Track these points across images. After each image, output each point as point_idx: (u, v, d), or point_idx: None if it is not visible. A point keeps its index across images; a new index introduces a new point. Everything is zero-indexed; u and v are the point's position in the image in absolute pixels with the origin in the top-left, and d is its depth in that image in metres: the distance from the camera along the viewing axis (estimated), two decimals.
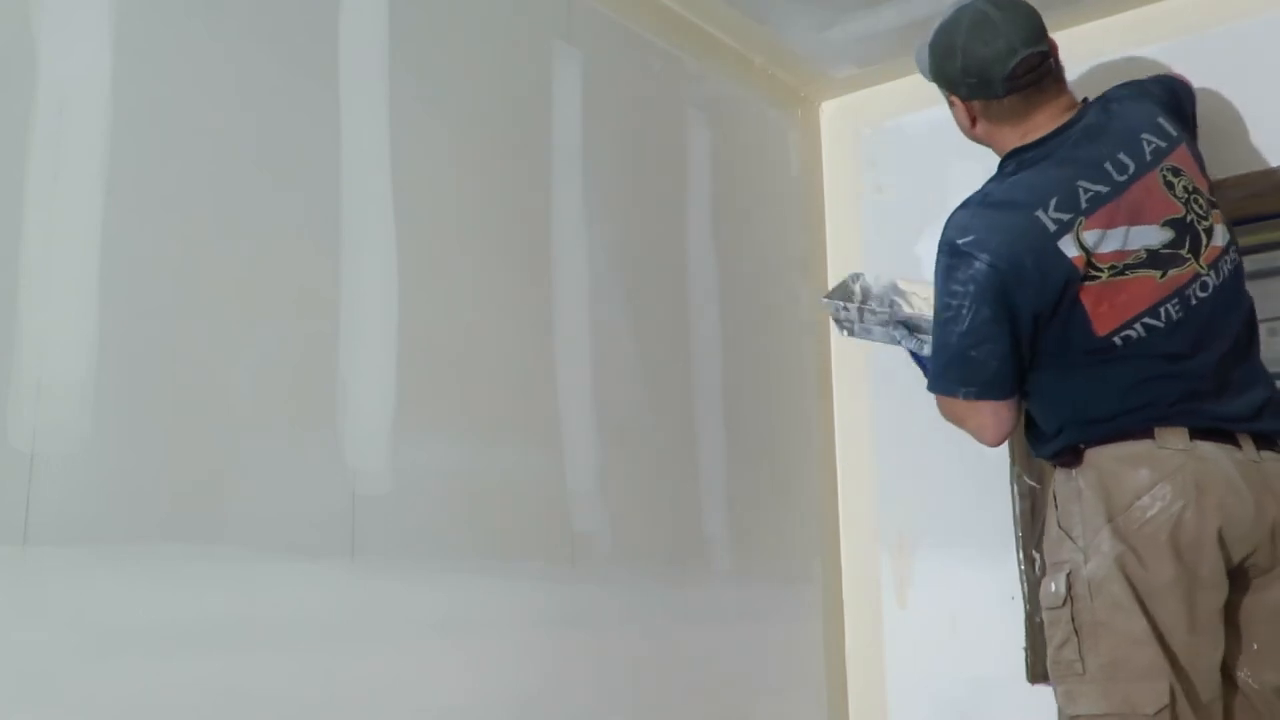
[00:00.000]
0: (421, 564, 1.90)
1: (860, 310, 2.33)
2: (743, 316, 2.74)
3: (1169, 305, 1.84)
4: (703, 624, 2.47)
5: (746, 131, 2.89)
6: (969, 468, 2.77)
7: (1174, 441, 1.82)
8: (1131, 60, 2.53)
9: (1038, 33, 1.96)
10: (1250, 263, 2.41)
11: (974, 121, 2.04)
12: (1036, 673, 2.65)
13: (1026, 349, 1.88)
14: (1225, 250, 1.90)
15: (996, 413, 1.92)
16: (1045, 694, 2.65)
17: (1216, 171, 2.46)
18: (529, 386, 2.16)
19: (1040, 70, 1.95)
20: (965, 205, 1.95)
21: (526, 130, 2.24)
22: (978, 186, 2.92)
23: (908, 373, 2.58)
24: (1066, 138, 1.93)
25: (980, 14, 1.96)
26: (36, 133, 1.50)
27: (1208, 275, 1.87)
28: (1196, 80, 2.43)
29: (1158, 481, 1.80)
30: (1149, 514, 1.79)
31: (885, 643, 2.85)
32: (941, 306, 1.90)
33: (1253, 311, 1.97)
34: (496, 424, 2.07)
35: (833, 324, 2.38)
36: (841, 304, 2.33)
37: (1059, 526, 1.87)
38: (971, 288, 1.85)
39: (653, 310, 2.48)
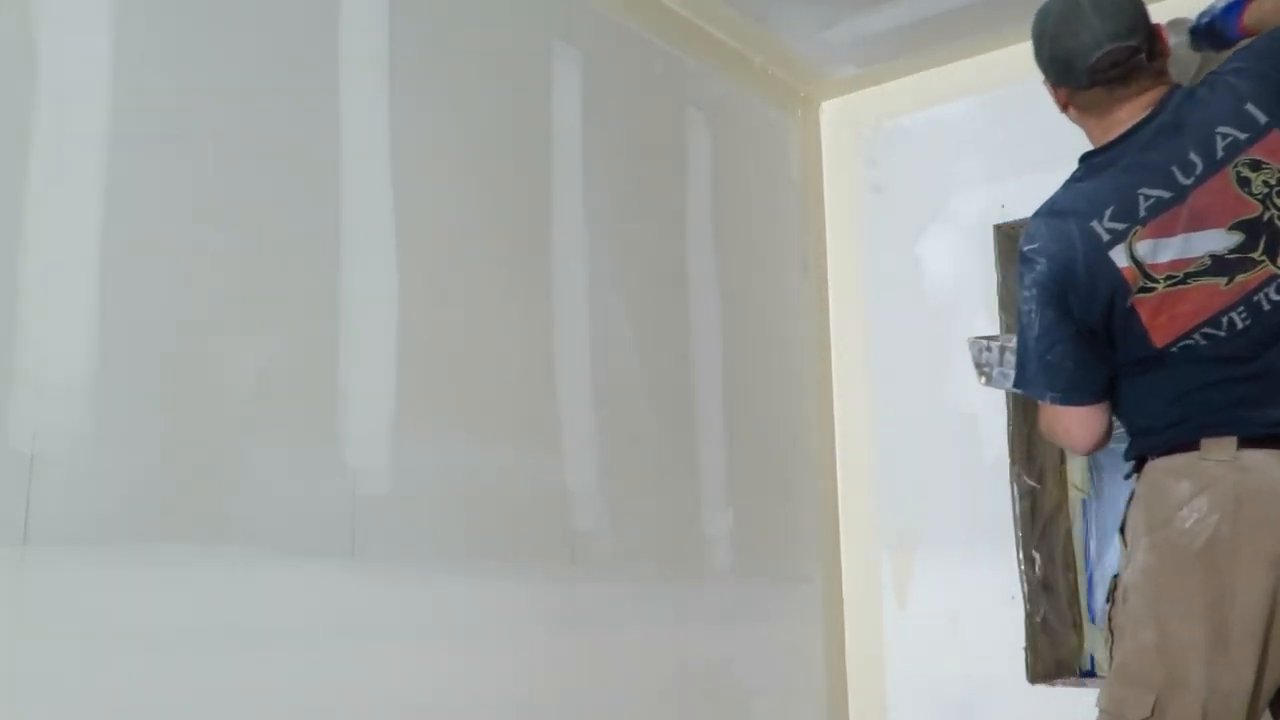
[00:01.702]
0: (421, 564, 1.90)
1: (1003, 350, 2.29)
2: (743, 317, 2.74)
3: (1234, 313, 1.77)
4: (703, 624, 2.47)
5: (746, 131, 2.89)
6: (969, 468, 2.77)
7: (1218, 453, 1.76)
8: None
9: (1129, 27, 1.88)
10: None
11: (1065, 106, 2.00)
12: (1036, 673, 2.65)
13: (1105, 350, 1.86)
14: None
15: (1083, 420, 1.90)
16: (1045, 694, 2.67)
17: None
18: (529, 386, 2.16)
19: (1127, 65, 1.88)
20: (1037, 214, 1.95)
21: (526, 130, 2.24)
22: (977, 186, 2.94)
23: (908, 372, 2.59)
24: (1138, 139, 1.87)
25: (1072, 3, 1.91)
26: (36, 133, 1.50)
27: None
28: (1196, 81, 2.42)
29: (1196, 494, 1.76)
30: (1185, 526, 1.75)
31: (885, 643, 2.85)
32: (1019, 314, 1.94)
33: None
34: (496, 424, 2.07)
35: (974, 370, 2.36)
36: (985, 343, 2.30)
37: (1120, 531, 1.89)
38: (1035, 290, 1.87)
39: (653, 310, 2.48)
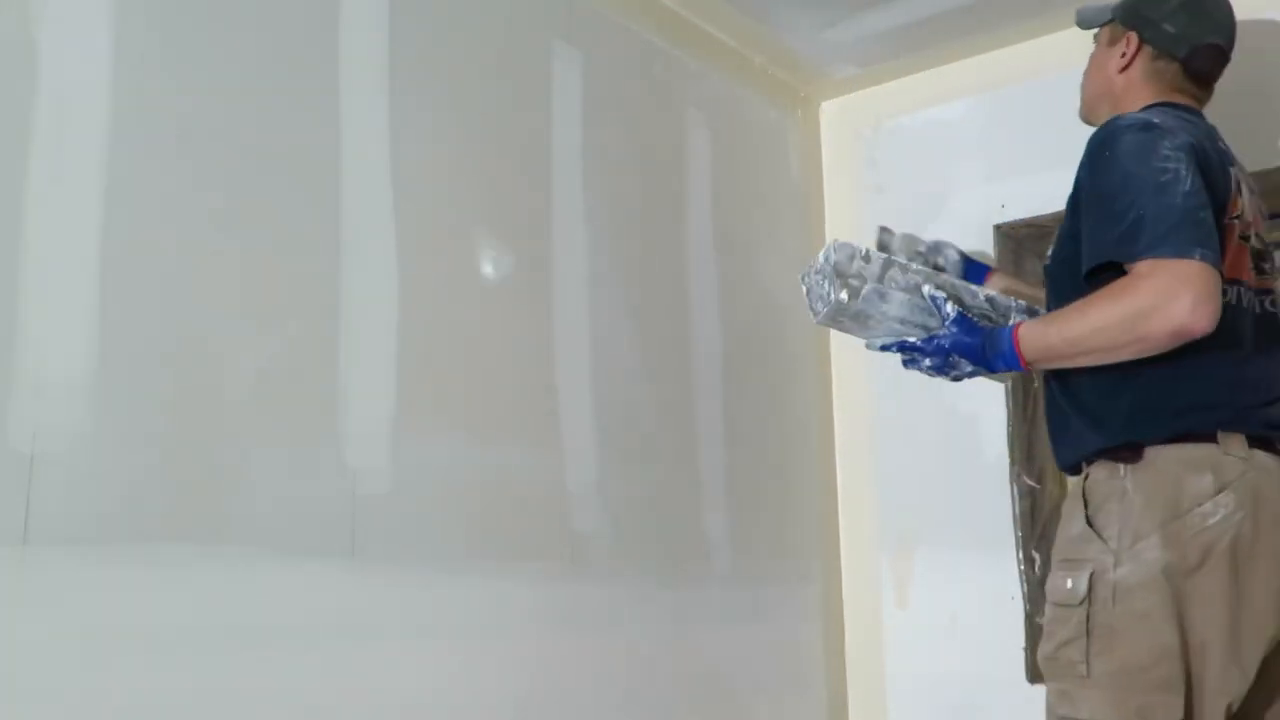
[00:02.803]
0: (421, 564, 1.90)
1: (893, 269, 1.90)
2: (743, 317, 2.74)
3: (1245, 289, 1.84)
4: (703, 624, 2.47)
5: (746, 131, 2.89)
6: (969, 468, 2.77)
7: (1236, 448, 1.74)
8: None
9: (1232, 45, 2.01)
10: None
11: (1127, 66, 1.99)
12: (1037, 673, 2.65)
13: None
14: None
15: (1216, 287, 1.68)
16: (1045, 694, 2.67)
17: None
18: (529, 386, 2.16)
19: (1215, 70, 1.99)
20: (1140, 112, 1.88)
21: (526, 130, 2.24)
22: (977, 186, 2.93)
23: (908, 372, 2.58)
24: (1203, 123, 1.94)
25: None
26: (36, 133, 1.50)
27: (1268, 295, 1.90)
28: None
29: (1222, 488, 1.71)
30: (1210, 521, 1.70)
31: (885, 643, 2.84)
32: (1152, 173, 1.73)
33: None
34: (497, 424, 2.07)
35: (820, 286, 1.92)
36: (860, 250, 1.89)
37: (1088, 524, 1.77)
38: (1183, 154, 1.74)
39: (653, 310, 2.48)
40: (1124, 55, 2.00)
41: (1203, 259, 1.66)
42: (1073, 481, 1.92)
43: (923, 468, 2.82)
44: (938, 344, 1.89)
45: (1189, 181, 1.71)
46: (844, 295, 1.86)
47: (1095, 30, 2.11)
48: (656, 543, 2.38)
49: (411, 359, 1.92)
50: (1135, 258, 1.70)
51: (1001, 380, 2.02)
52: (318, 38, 1.87)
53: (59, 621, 1.44)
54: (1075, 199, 1.87)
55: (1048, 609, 1.83)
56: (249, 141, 1.75)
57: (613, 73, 2.46)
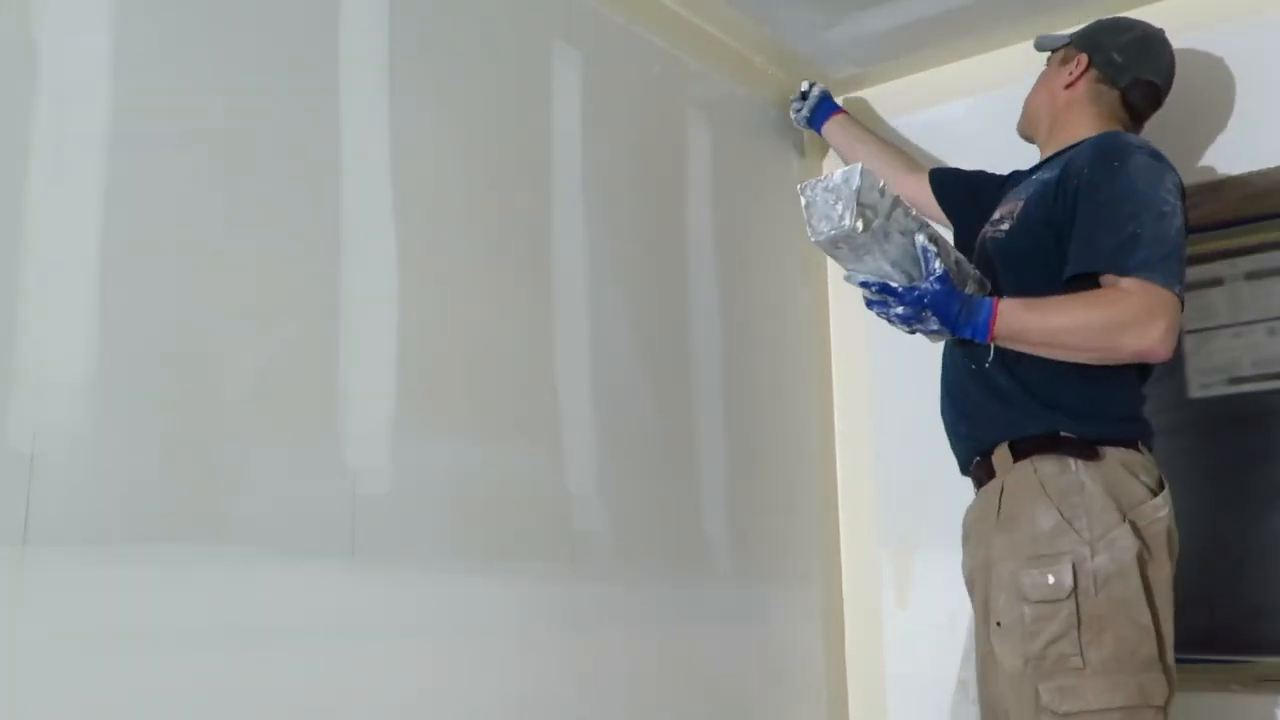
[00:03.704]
0: (421, 564, 1.90)
1: (895, 205, 1.84)
2: (742, 317, 2.74)
3: None
4: (703, 624, 2.47)
5: (746, 131, 2.89)
6: None
7: (1148, 455, 1.94)
8: None
9: (1167, 91, 2.20)
10: (1250, 263, 2.42)
11: (1072, 84, 2.17)
12: None
13: None
14: None
15: (1178, 323, 1.84)
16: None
17: (1216, 172, 2.47)
18: (529, 386, 2.16)
19: (1147, 107, 2.18)
20: (1133, 136, 2.06)
21: (526, 130, 2.24)
22: None
23: (909, 371, 2.59)
24: None
25: (1164, 41, 2.21)
26: (36, 133, 1.50)
27: None
28: (1197, 79, 2.43)
29: (1157, 488, 1.89)
30: (1159, 514, 1.86)
31: (885, 643, 2.85)
32: (1157, 200, 1.87)
33: None
34: (497, 424, 2.07)
35: (823, 225, 1.85)
36: (879, 185, 1.82)
37: (1061, 516, 1.83)
38: (1177, 194, 1.90)
39: (653, 310, 2.48)
40: (1071, 74, 2.17)
41: (1179, 295, 1.82)
42: (1005, 481, 1.95)
43: (923, 468, 2.82)
44: (917, 295, 1.89)
45: (1179, 220, 1.87)
46: (859, 224, 1.80)
47: (1049, 54, 2.30)
48: (656, 543, 2.38)
49: (411, 359, 1.92)
50: (1126, 272, 1.82)
51: (937, 342, 2.07)
52: (318, 38, 1.87)
53: (59, 621, 1.44)
54: (1059, 190, 1.95)
55: (1024, 608, 1.83)
56: (249, 141, 1.75)
57: (613, 73, 2.46)
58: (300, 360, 1.77)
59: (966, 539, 2.08)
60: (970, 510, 2.09)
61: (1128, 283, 1.81)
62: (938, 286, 1.88)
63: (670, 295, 2.55)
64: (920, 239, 1.87)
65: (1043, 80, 2.27)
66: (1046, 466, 1.89)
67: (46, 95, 1.51)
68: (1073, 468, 1.87)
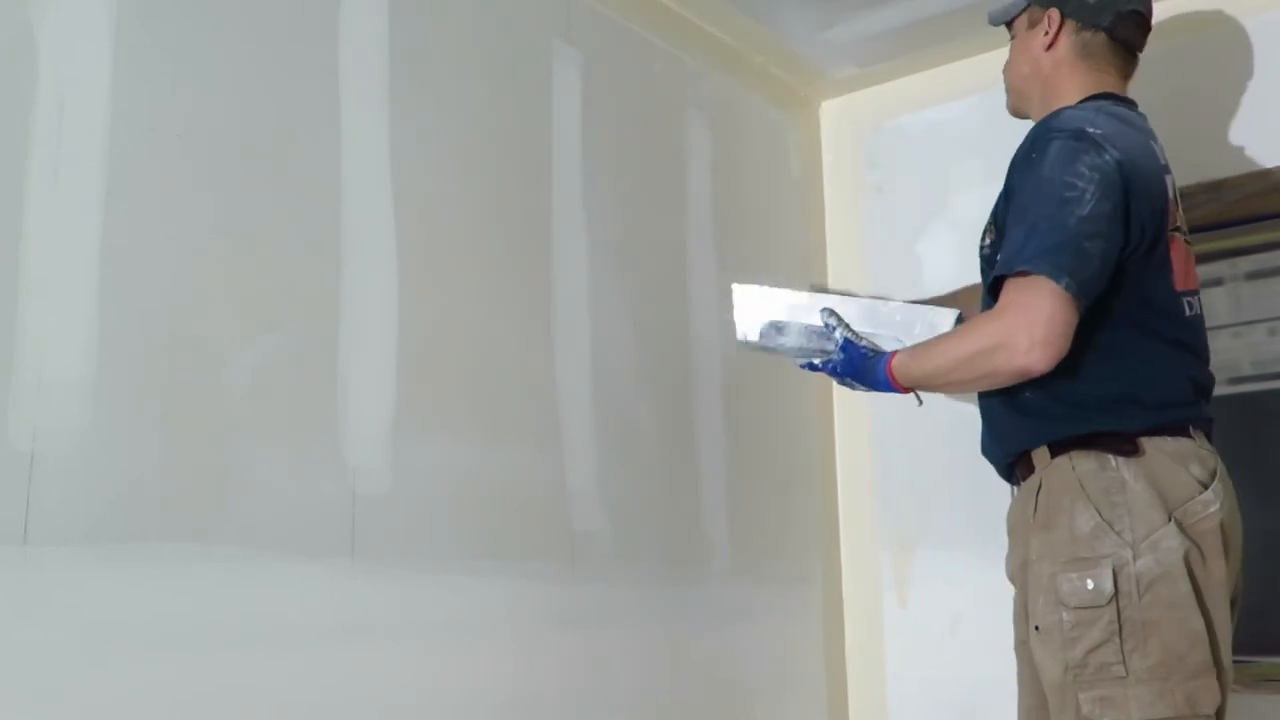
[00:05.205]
0: (421, 564, 1.90)
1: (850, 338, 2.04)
2: None
3: (1197, 299, 1.87)
4: (703, 624, 2.47)
5: (746, 131, 2.89)
6: (969, 468, 2.75)
7: (1204, 442, 1.79)
8: None
9: (1151, 13, 1.98)
10: (1250, 263, 2.41)
11: (1053, 43, 1.97)
12: None
13: (1112, 271, 1.75)
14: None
15: (1070, 325, 1.69)
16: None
17: (1216, 172, 2.47)
18: (529, 386, 2.16)
19: (1139, 38, 1.97)
20: (1076, 108, 1.87)
21: (526, 130, 2.24)
22: (977, 186, 2.92)
23: None
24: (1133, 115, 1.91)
25: None
26: (36, 133, 1.50)
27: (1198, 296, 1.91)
28: (1196, 80, 2.43)
29: (1209, 481, 1.75)
30: (1210, 509, 1.73)
31: (885, 643, 2.85)
32: (1060, 185, 1.72)
33: None
34: (497, 424, 2.07)
35: (748, 326, 2.12)
36: (835, 320, 2.04)
37: (1101, 518, 1.72)
38: (1098, 176, 1.72)
39: (653, 311, 2.48)
40: (1047, 34, 1.98)
41: (1067, 289, 1.66)
42: (1044, 477, 1.83)
43: (923, 468, 2.82)
44: (831, 367, 2.00)
45: (1090, 206, 1.70)
46: (750, 337, 2.12)
47: (1010, 22, 2.11)
48: (656, 543, 2.38)
49: (411, 359, 1.92)
50: (1012, 270, 1.72)
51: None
52: (318, 37, 1.87)
53: (59, 621, 1.44)
54: (1004, 191, 1.87)
55: (1064, 614, 1.74)
56: (249, 141, 1.75)
57: (613, 73, 2.46)
58: (300, 360, 1.77)
59: (1008, 535, 1.99)
60: (1011, 507, 1.99)
61: (1010, 282, 1.73)
62: (840, 355, 1.97)
63: (670, 295, 2.55)
64: (822, 315, 2.04)
65: (1018, 51, 2.08)
66: (1085, 463, 1.77)
67: (46, 95, 1.51)
68: (1112, 464, 1.74)
